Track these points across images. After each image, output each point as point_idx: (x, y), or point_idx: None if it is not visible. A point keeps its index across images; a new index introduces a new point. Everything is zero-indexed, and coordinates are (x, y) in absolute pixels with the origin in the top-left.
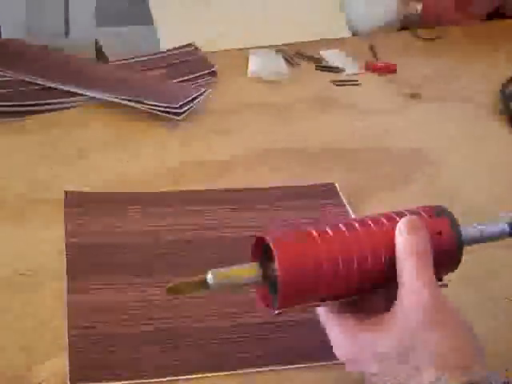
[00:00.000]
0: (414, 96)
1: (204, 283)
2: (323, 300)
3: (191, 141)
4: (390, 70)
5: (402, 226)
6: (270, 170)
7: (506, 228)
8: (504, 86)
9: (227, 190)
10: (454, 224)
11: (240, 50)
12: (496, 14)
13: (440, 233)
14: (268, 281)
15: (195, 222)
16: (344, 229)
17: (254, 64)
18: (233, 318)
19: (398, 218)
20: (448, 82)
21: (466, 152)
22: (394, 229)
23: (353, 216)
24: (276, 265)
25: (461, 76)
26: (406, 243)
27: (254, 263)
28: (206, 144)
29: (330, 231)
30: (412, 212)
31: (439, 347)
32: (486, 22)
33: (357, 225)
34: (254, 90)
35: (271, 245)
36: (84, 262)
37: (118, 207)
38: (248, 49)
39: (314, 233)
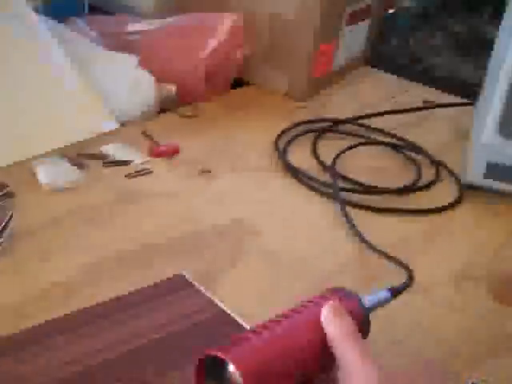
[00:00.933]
0: (204, 172)
1: None
2: None
3: (19, 269)
4: (173, 151)
5: (327, 313)
6: (110, 279)
7: (389, 294)
8: (277, 139)
9: (80, 312)
10: (359, 301)
11: (21, 162)
12: (238, 83)
13: (351, 312)
14: None
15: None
16: (274, 325)
17: (44, 175)
18: None
19: (316, 307)
20: (226, 152)
21: (276, 215)
22: (317, 317)
23: (213, 299)
24: (236, 373)
25: (234, 144)
26: (337, 328)
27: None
28: (36, 269)
29: (263, 331)
30: (324, 298)
31: None
32: (234, 91)
33: (283, 319)
34: (56, 201)
35: (223, 356)
36: None
37: None
38: (29, 160)
39: (251, 335)
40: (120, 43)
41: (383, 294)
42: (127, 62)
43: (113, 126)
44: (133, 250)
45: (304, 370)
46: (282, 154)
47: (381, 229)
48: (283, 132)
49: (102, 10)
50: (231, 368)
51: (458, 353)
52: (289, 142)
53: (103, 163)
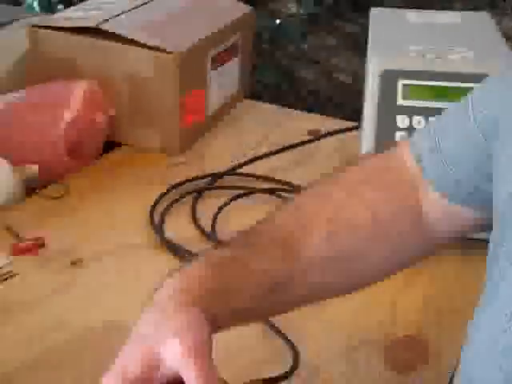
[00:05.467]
0: (74, 263)
1: None
2: None
3: None
4: (38, 245)
5: None
6: None
7: None
8: (152, 210)
9: None
10: None
11: None
12: (111, 145)
13: None
14: None
15: None
16: None
17: None
18: None
19: None
20: (97, 234)
21: None
22: None
23: None
24: None
25: (106, 223)
26: None
27: None
28: None
29: None
30: None
31: None
32: (105, 156)
33: None
34: None
35: None
36: None
37: None
38: None
39: None
40: None
41: None
42: None
43: None
44: None
45: None
46: (158, 228)
47: None
48: (159, 199)
49: None
50: None
51: None
52: (166, 210)
53: None
